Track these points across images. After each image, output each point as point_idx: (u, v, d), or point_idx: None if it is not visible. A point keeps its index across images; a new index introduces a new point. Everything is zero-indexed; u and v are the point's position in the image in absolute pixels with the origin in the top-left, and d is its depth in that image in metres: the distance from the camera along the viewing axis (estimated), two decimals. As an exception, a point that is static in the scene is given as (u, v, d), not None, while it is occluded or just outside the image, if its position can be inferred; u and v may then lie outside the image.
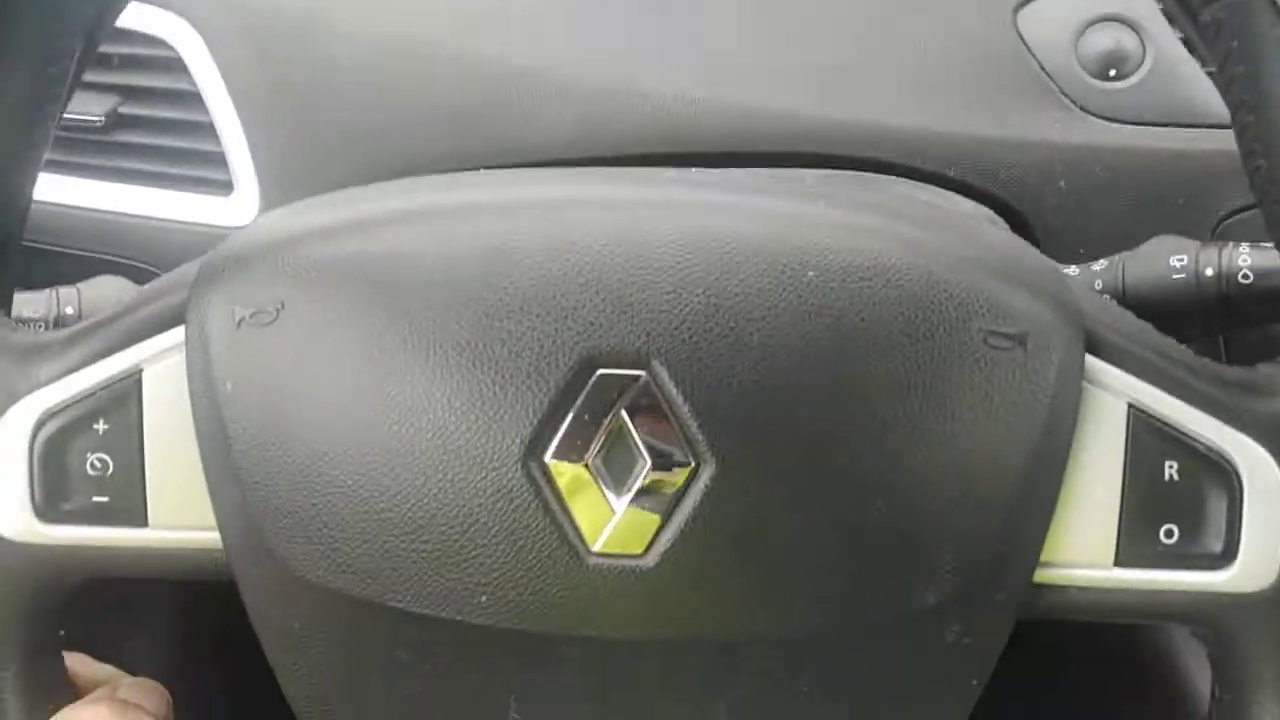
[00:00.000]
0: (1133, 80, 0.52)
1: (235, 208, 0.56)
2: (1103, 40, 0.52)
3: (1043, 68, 0.52)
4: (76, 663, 0.38)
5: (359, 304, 0.32)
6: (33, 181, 0.36)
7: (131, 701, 0.36)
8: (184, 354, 0.33)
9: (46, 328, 0.46)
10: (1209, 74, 0.52)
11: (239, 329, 0.32)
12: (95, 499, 0.33)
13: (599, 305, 0.31)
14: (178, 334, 0.33)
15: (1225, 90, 0.31)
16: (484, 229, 0.32)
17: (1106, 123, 0.52)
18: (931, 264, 0.32)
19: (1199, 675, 0.61)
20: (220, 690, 0.56)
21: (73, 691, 0.37)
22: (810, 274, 0.31)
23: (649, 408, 0.31)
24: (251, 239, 0.34)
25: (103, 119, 0.58)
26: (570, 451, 0.31)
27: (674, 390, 0.30)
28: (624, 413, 0.31)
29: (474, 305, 0.31)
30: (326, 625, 0.33)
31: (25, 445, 0.33)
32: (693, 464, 0.30)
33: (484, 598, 0.31)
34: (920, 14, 0.53)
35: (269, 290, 0.32)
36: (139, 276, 0.49)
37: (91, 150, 0.58)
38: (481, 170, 0.44)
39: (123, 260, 0.57)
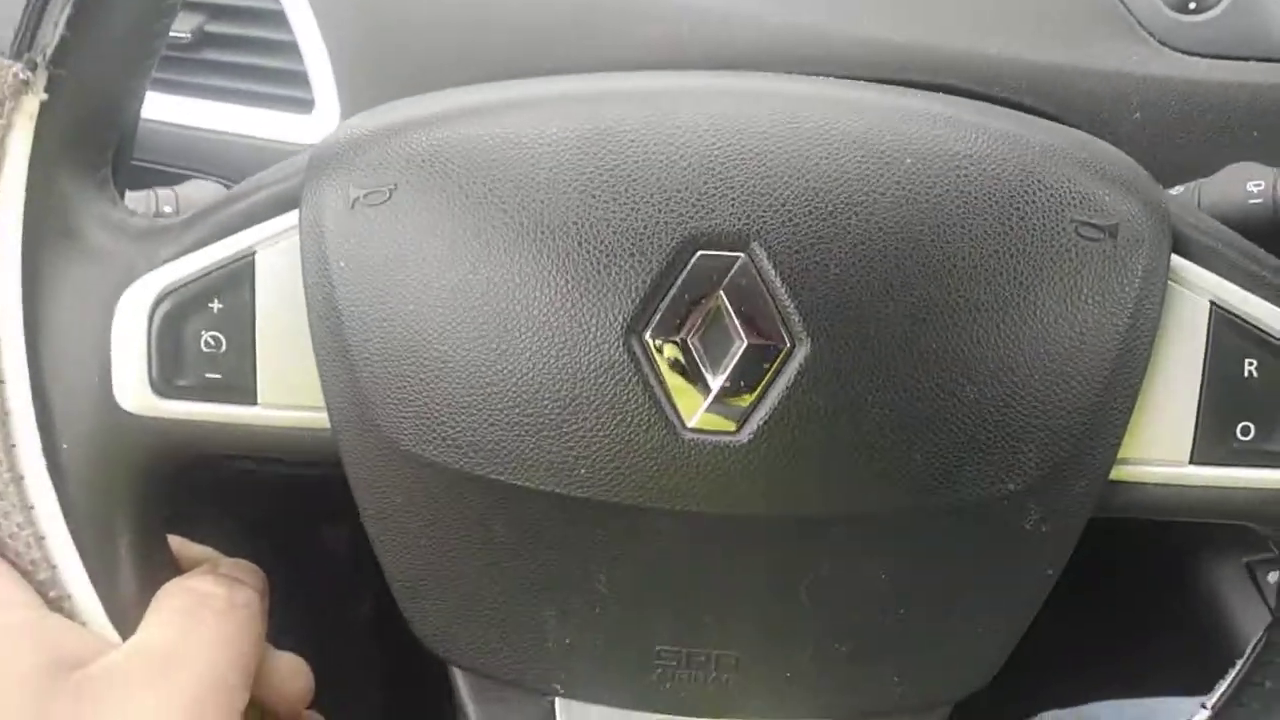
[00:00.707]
0: (1212, 14, 0.52)
1: (316, 125, 0.57)
2: (1182, -27, 0.52)
3: (1122, 0, 0.52)
4: (177, 544, 0.39)
5: (467, 185, 0.33)
6: (145, 86, 0.37)
7: (232, 576, 0.38)
8: (297, 237, 0.34)
9: None
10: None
11: (353, 209, 0.33)
12: (208, 375, 0.34)
13: (700, 188, 0.32)
14: (291, 217, 0.34)
15: None
16: (588, 114, 0.33)
17: (1184, 56, 0.52)
18: (1026, 155, 0.32)
19: (1241, 612, 0.62)
20: (310, 580, 0.58)
21: (177, 568, 0.38)
22: (908, 161, 0.32)
23: (747, 289, 0.31)
24: (363, 126, 0.35)
25: (189, 36, 0.59)
26: (669, 330, 0.32)
27: (772, 272, 0.31)
28: (722, 293, 0.32)
29: (578, 187, 0.32)
30: (427, 498, 0.34)
31: (144, 322, 0.34)
32: (788, 344, 0.31)
33: (582, 470, 0.32)
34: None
35: (381, 172, 0.33)
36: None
37: (177, 67, 0.60)
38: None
39: (204, 175, 0.58)
